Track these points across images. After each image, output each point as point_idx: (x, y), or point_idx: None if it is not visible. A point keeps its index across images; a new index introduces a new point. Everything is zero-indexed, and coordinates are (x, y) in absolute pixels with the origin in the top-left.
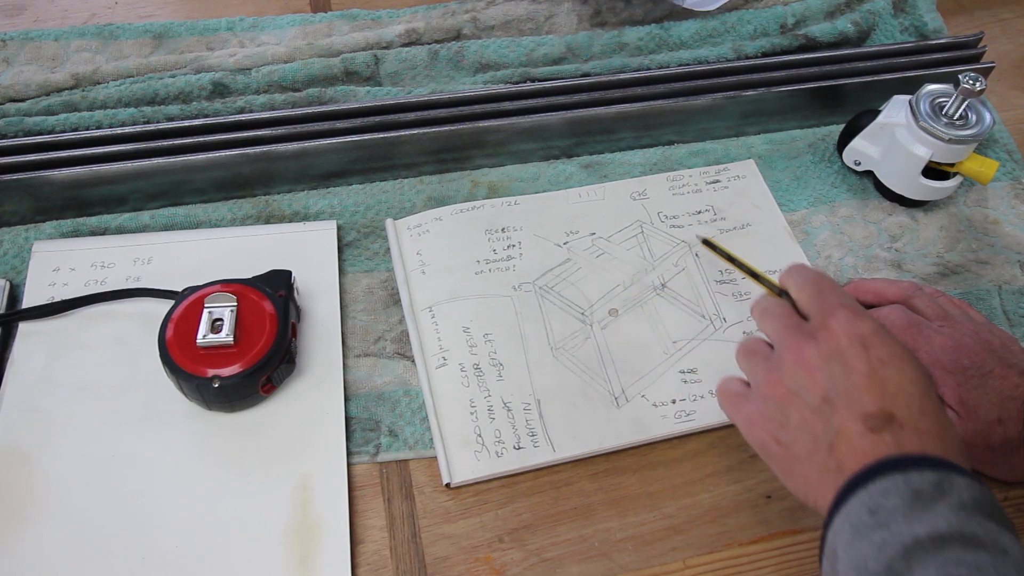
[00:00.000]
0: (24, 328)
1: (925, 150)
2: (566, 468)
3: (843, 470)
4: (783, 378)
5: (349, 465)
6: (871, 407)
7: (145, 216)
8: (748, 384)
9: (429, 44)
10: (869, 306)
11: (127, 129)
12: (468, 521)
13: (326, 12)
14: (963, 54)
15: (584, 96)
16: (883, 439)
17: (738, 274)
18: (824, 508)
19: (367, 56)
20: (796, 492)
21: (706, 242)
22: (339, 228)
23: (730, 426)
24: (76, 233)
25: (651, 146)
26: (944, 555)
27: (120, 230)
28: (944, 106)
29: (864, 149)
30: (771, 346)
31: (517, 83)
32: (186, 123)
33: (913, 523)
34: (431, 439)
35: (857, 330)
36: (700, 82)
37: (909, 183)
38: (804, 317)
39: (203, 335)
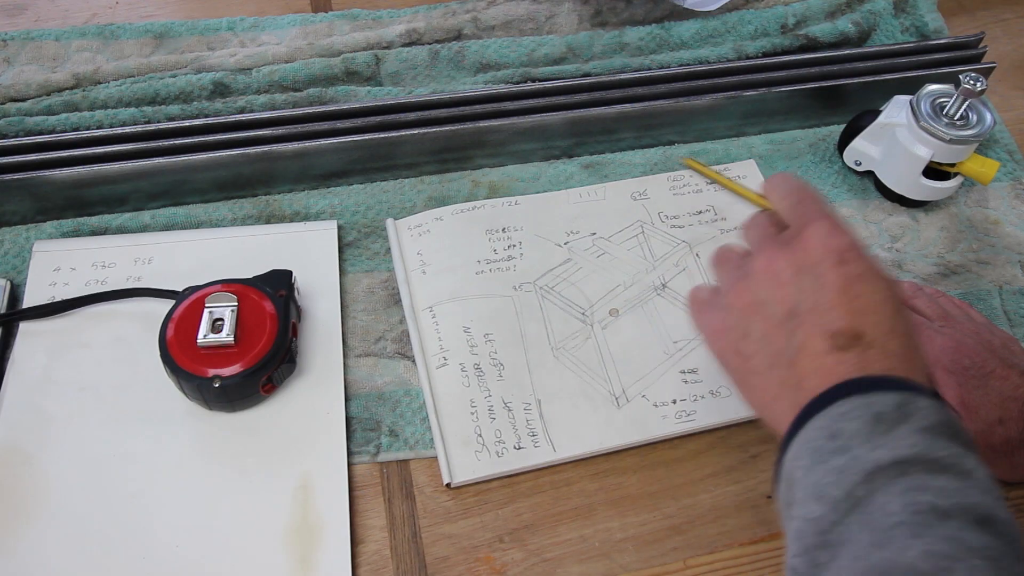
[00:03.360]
0: (25, 328)
1: (926, 150)
2: (567, 468)
3: (803, 388)
4: (750, 286)
5: (349, 465)
6: (839, 324)
7: (146, 216)
8: (716, 287)
9: (430, 44)
10: None
11: (128, 129)
12: (469, 521)
13: (327, 12)
14: (964, 54)
15: (585, 96)
16: (847, 358)
17: None
18: (781, 427)
19: (368, 56)
20: (752, 406)
21: (689, 164)
22: (340, 228)
23: (731, 426)
24: (77, 233)
25: (652, 146)
26: (907, 479)
27: (121, 230)
28: (945, 106)
29: (865, 149)
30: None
31: (518, 83)
32: (187, 123)
33: (875, 447)
34: (431, 439)
35: (833, 243)
36: (701, 82)
37: (910, 183)
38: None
39: (204, 335)
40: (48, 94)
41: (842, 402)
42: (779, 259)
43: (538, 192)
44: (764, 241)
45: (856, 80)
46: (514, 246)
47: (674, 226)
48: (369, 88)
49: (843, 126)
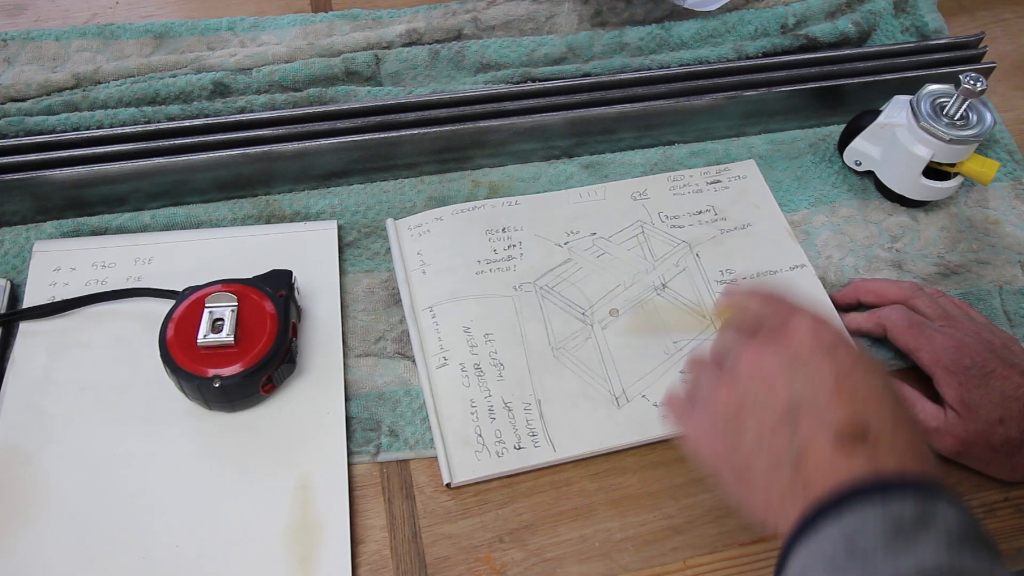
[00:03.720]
0: (25, 328)
1: (926, 150)
2: (567, 468)
3: (810, 490)
4: (737, 386)
5: (350, 465)
6: (842, 419)
7: (146, 216)
8: (691, 393)
9: (430, 44)
10: (870, 306)
11: (128, 129)
12: (469, 521)
13: (327, 12)
14: (964, 54)
15: (585, 96)
16: (856, 456)
17: (739, 274)
18: (784, 529)
19: (368, 56)
20: (752, 515)
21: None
22: (340, 228)
23: None
24: (77, 233)
25: (652, 146)
26: None
27: (121, 230)
28: (945, 106)
29: (865, 149)
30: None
31: (518, 83)
32: (187, 123)
33: (897, 558)
34: (432, 439)
35: (822, 335)
36: (701, 82)
37: (910, 183)
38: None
39: (204, 335)
40: (48, 94)
41: (856, 507)
42: (766, 355)
43: (538, 192)
44: (743, 339)
45: (856, 80)
46: (514, 246)
47: (674, 226)
48: (369, 88)
49: (843, 126)
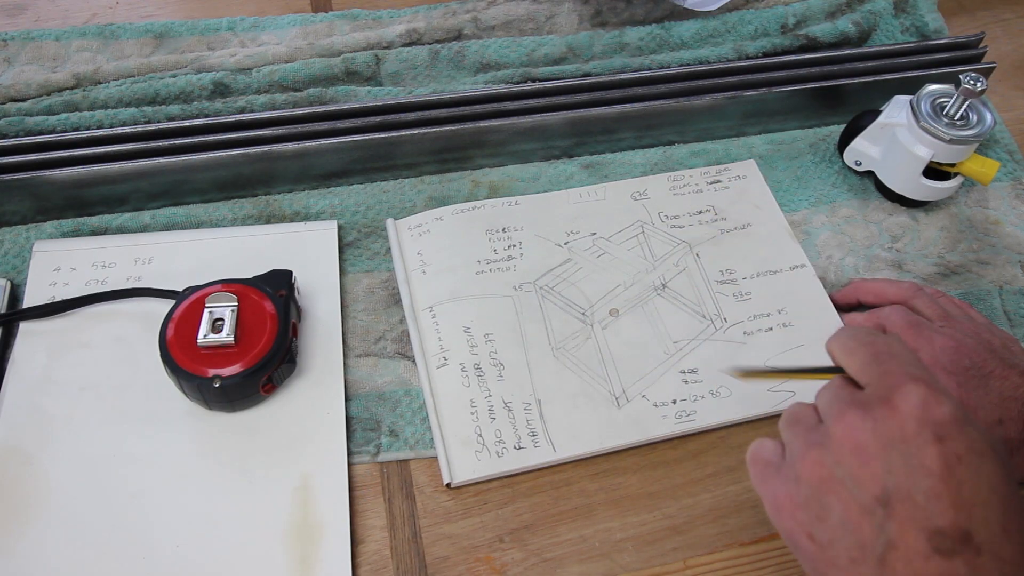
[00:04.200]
0: (25, 328)
1: (926, 150)
2: (567, 468)
3: None
4: (827, 458)
5: (350, 465)
6: (941, 520)
7: (146, 216)
8: (784, 452)
9: (430, 44)
10: (870, 306)
11: (128, 129)
12: (469, 521)
13: (327, 12)
14: (964, 54)
15: (585, 96)
16: (953, 567)
17: (739, 274)
18: None
19: (368, 56)
20: None
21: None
22: (340, 228)
23: (731, 426)
24: (77, 233)
25: (652, 146)
26: None
27: (121, 230)
28: (945, 106)
29: (865, 149)
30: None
31: (518, 83)
32: (187, 123)
33: None
34: (432, 439)
35: (932, 413)
36: (701, 82)
37: (910, 183)
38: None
39: (204, 335)
40: (48, 94)
41: None
42: (862, 429)
43: (538, 192)
44: (841, 404)
45: (856, 80)
46: (514, 246)
47: (674, 226)
48: (369, 88)
49: (843, 126)
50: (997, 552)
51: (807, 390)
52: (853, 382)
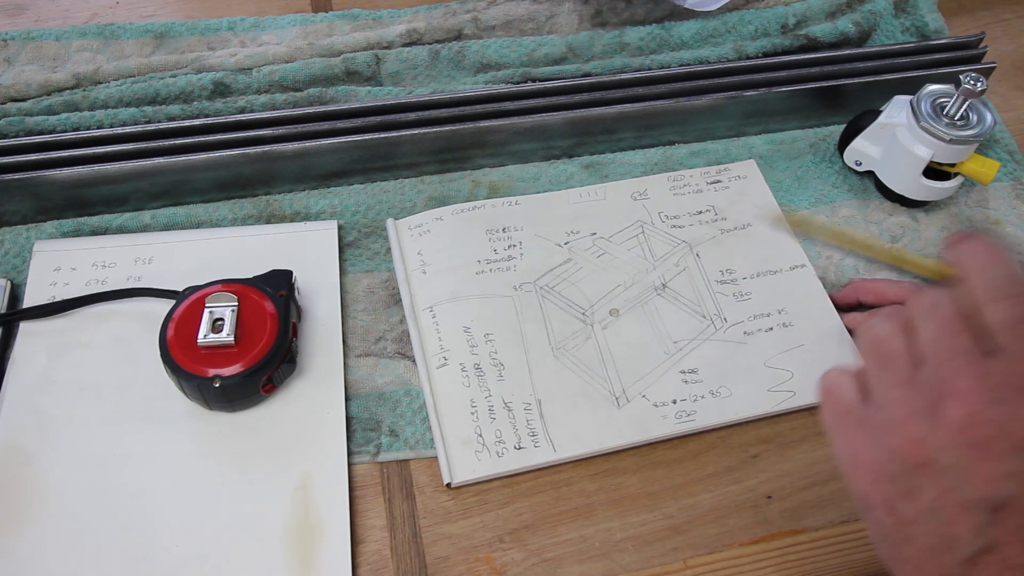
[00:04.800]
0: (25, 328)
1: (926, 150)
2: (567, 468)
3: None
4: (932, 439)
5: (350, 465)
6: None
7: (146, 216)
8: (866, 392)
9: (430, 44)
10: (870, 306)
11: (128, 129)
12: (469, 521)
13: (327, 12)
14: (964, 54)
15: (585, 96)
16: None
17: (739, 274)
18: None
19: (368, 56)
20: (888, 566)
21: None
22: (340, 228)
23: (731, 426)
24: (77, 233)
25: (652, 146)
26: None
27: (121, 230)
28: (945, 106)
29: (865, 149)
30: (918, 360)
31: (518, 83)
32: (187, 123)
33: None
34: (432, 439)
35: None
36: (701, 82)
37: (910, 183)
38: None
39: (204, 335)
40: (48, 94)
41: None
42: (989, 422)
43: (538, 192)
44: (966, 367)
45: (856, 80)
46: (514, 246)
47: (674, 226)
48: (369, 88)
49: (843, 126)
50: None
51: (807, 390)
52: (971, 315)
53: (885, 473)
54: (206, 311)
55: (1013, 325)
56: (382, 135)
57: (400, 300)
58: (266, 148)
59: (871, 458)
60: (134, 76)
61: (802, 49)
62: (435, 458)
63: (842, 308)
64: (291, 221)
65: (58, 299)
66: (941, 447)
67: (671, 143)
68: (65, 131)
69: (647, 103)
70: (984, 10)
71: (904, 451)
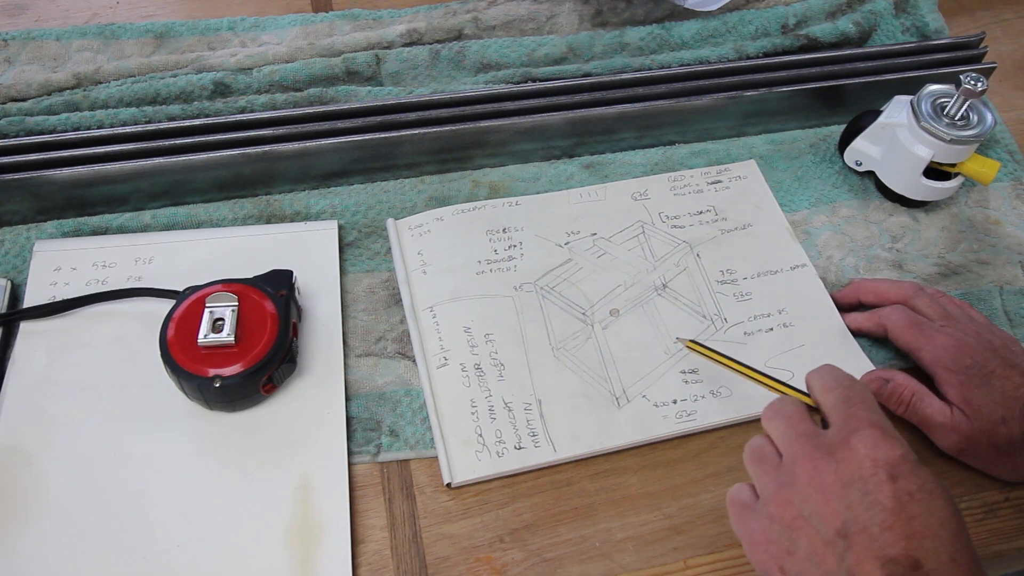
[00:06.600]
0: (25, 328)
1: (926, 150)
2: (567, 468)
3: None
4: (794, 497)
5: (350, 465)
6: (894, 550)
7: (146, 216)
8: (757, 491)
9: (430, 44)
10: (871, 306)
11: (128, 129)
12: (469, 521)
13: (327, 12)
14: (965, 54)
15: (585, 96)
16: None
17: (739, 274)
18: None
19: (368, 56)
20: None
21: (692, 344)
22: (340, 228)
23: (731, 426)
24: (77, 233)
25: (652, 146)
26: None
27: (121, 230)
28: (945, 106)
29: (865, 149)
30: (780, 453)
31: (518, 83)
32: (187, 123)
33: None
34: (432, 439)
35: (883, 455)
36: (701, 82)
37: (910, 183)
38: (824, 426)
39: (204, 335)
40: (49, 94)
41: None
42: (824, 469)
43: (538, 192)
44: (804, 442)
45: (857, 80)
46: (515, 246)
47: (674, 226)
48: (370, 88)
49: (843, 126)
50: None
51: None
52: (808, 415)
53: (771, 539)
54: (206, 311)
55: (836, 404)
56: (382, 135)
57: (400, 300)
58: (266, 148)
59: (759, 530)
60: (134, 76)
61: (802, 49)
62: (435, 458)
63: (843, 308)
64: (291, 221)
65: (58, 299)
66: (801, 500)
67: (671, 143)
68: (65, 131)
69: (647, 103)
70: (984, 10)
71: (779, 514)
